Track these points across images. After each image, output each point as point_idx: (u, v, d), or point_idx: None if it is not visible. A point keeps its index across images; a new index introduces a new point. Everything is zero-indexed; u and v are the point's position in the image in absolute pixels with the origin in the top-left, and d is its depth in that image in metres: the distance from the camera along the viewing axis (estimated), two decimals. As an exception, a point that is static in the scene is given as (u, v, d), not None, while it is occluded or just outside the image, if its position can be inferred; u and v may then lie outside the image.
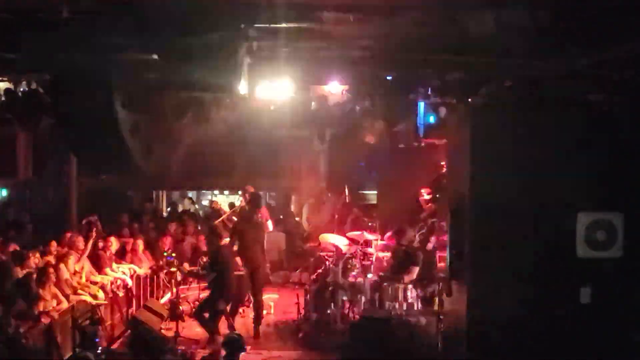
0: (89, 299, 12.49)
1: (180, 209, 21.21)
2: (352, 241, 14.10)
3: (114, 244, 14.47)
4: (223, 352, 8.56)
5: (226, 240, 13.40)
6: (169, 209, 22.21)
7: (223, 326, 12.45)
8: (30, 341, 10.58)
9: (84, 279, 12.98)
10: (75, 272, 12.77)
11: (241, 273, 13.25)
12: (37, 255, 12.88)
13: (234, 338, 8.76)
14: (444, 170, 12.39)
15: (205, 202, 22.11)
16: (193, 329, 12.84)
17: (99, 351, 9.66)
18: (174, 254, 14.01)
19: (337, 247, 14.00)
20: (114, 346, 12.08)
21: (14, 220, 17.17)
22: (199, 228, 17.05)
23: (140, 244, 14.82)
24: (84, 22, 6.94)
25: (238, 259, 13.23)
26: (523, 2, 6.62)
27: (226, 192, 22.89)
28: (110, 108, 8.57)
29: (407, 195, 15.13)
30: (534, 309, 7.95)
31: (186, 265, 14.45)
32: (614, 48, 6.81)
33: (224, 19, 6.88)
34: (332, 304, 12.92)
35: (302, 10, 6.97)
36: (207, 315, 12.48)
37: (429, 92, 10.64)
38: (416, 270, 12.24)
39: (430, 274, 12.12)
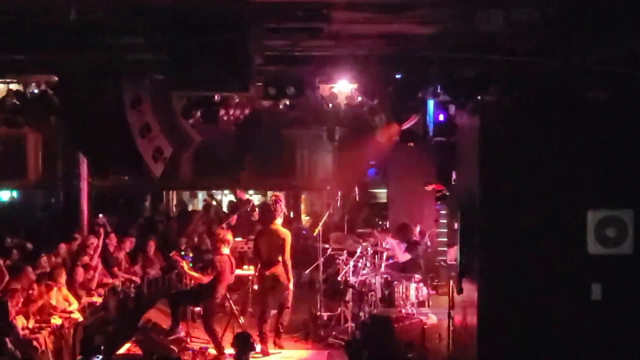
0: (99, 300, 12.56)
1: (190, 208, 21.21)
2: (363, 240, 14.08)
3: (125, 245, 14.51)
4: (233, 351, 8.55)
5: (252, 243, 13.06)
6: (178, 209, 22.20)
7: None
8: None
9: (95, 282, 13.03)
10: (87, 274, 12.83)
11: None
12: (50, 256, 12.95)
13: (244, 337, 8.71)
14: (455, 168, 12.36)
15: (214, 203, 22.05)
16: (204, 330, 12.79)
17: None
18: (191, 254, 13.95)
19: (347, 246, 13.97)
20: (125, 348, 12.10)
21: (24, 221, 17.27)
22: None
23: (151, 246, 14.78)
24: (92, 22, 6.95)
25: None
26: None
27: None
28: (120, 108, 8.58)
29: (417, 193, 15.13)
30: (545, 305, 7.94)
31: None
32: (624, 44, 6.79)
33: (233, 18, 6.88)
34: (343, 303, 12.92)
35: (312, 9, 6.96)
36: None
37: (439, 91, 10.59)
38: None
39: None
